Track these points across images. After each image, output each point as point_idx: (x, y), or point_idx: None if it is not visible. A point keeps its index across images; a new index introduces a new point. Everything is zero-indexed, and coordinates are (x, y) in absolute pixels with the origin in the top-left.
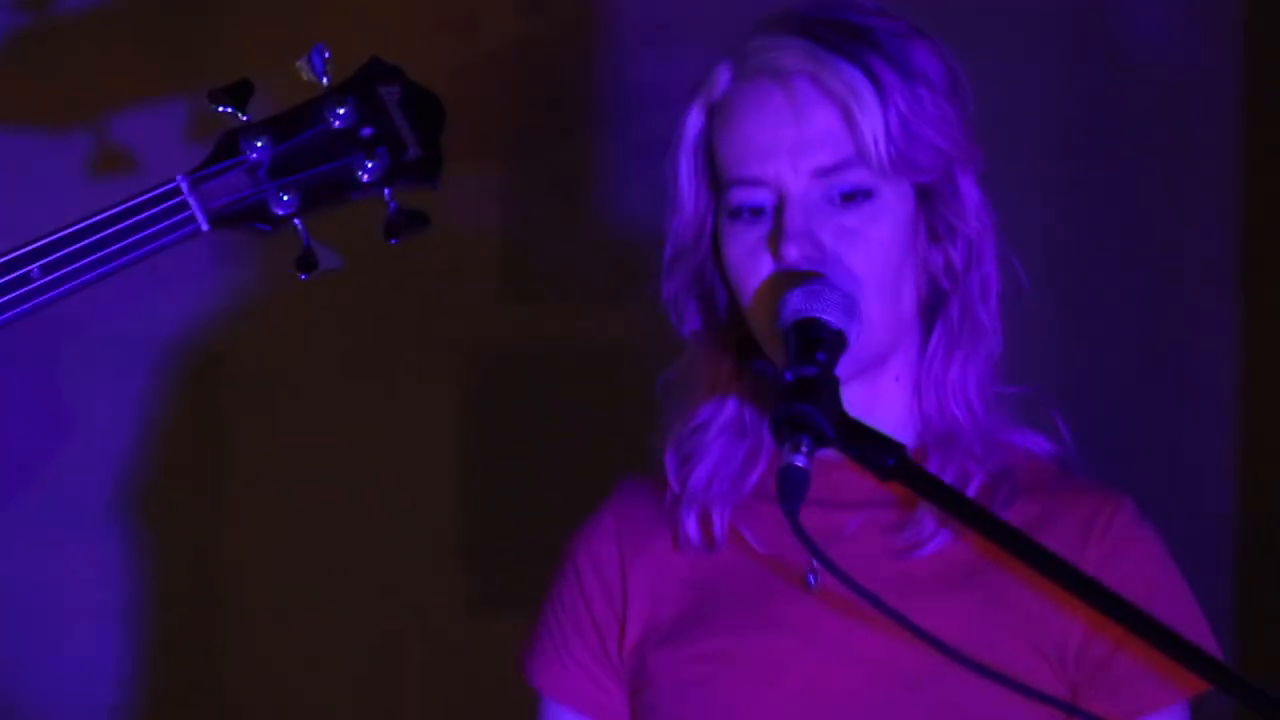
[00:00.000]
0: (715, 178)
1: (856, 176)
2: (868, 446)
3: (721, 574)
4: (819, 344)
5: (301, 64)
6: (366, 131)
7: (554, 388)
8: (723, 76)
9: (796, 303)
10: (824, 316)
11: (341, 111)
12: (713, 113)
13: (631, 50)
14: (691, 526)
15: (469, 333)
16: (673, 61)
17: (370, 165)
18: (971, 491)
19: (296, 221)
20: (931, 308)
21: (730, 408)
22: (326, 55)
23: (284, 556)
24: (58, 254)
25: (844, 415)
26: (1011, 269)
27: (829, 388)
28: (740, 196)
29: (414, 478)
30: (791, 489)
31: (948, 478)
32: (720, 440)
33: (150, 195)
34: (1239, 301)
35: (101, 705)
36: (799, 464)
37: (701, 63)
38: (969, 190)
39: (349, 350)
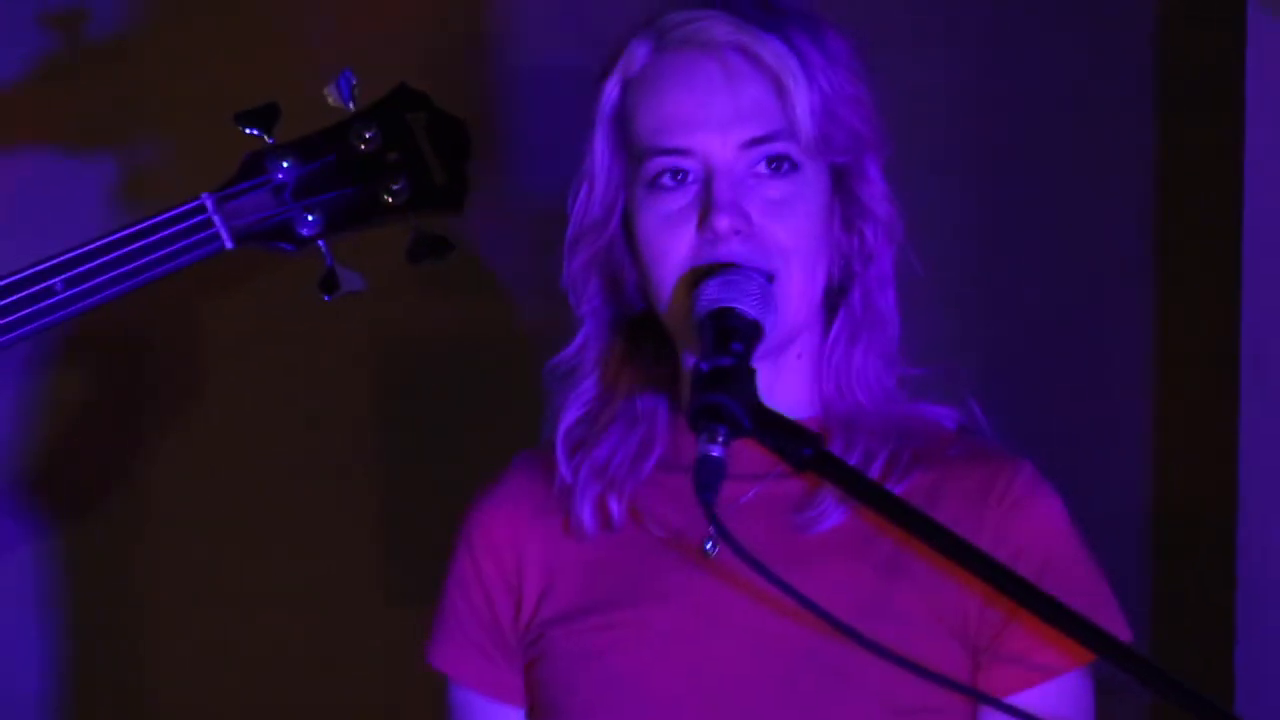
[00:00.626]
0: (630, 151)
1: (785, 147)
2: (784, 437)
3: (618, 548)
4: (735, 334)
5: (330, 90)
6: (393, 157)
7: (472, 376)
8: (640, 50)
9: (713, 292)
10: (740, 306)
11: (368, 135)
12: (629, 86)
13: (539, 38)
14: (586, 514)
15: (386, 322)
16: (584, 49)
17: (395, 189)
18: (875, 470)
19: (321, 243)
20: (833, 293)
21: (622, 393)
22: (354, 81)
23: (200, 546)
24: (81, 268)
25: (760, 406)
26: (907, 257)
27: (745, 378)
28: (663, 164)
29: (331, 468)
30: (708, 479)
31: (852, 459)
32: (614, 428)
33: (176, 213)
34: (1154, 296)
35: (22, 693)
36: (715, 454)
37: (601, 54)
38: (876, 177)
39: (266, 340)
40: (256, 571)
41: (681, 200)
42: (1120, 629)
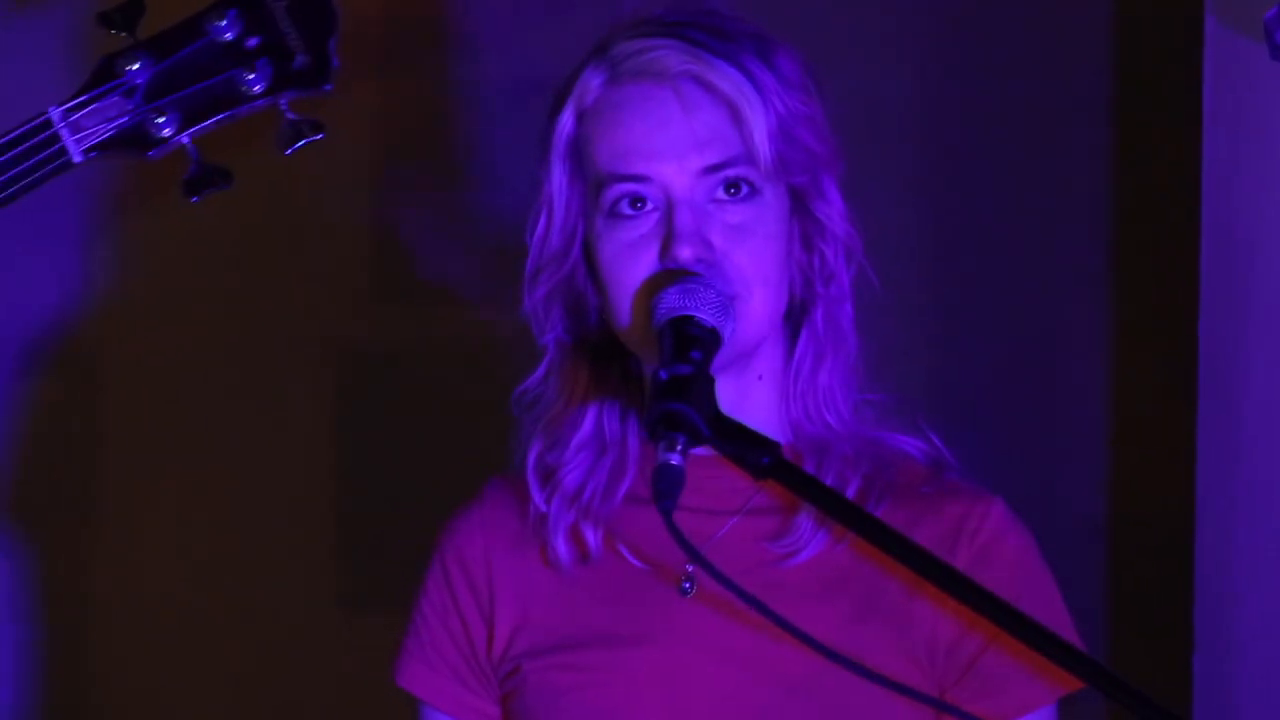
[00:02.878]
0: (588, 181)
1: (744, 172)
2: (743, 445)
3: (595, 580)
4: (694, 342)
5: None
6: (252, 42)
7: (426, 387)
8: (594, 81)
9: (672, 300)
10: (698, 314)
11: (223, 24)
12: (584, 117)
13: (508, 45)
14: (561, 546)
15: (341, 331)
16: (557, 59)
17: (254, 76)
18: (849, 492)
19: (184, 139)
20: (795, 313)
21: (589, 421)
22: None
23: (157, 555)
24: None
25: (719, 414)
26: (865, 274)
27: (704, 386)
28: (622, 191)
29: (287, 477)
30: (667, 487)
31: (826, 481)
32: (583, 455)
33: (21, 130)
34: (1111, 304)
35: None
36: (674, 462)
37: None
38: (834, 195)
39: (220, 349)
40: (213, 582)
41: (642, 228)
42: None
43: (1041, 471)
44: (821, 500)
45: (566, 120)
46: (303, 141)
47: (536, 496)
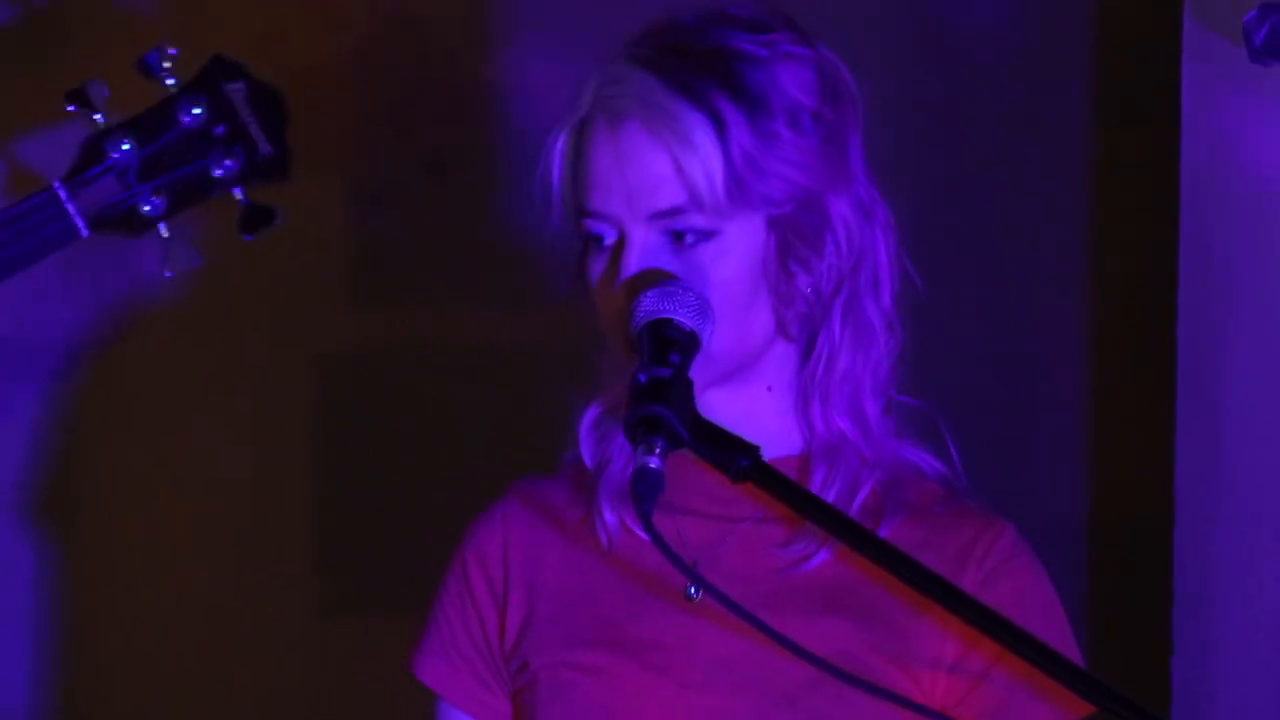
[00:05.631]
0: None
1: (693, 220)
2: (721, 449)
3: (606, 581)
4: (673, 345)
5: (144, 63)
6: (219, 130)
7: (406, 392)
8: (584, 102)
9: (649, 304)
10: (676, 317)
11: (196, 111)
12: (576, 132)
13: (492, 47)
14: (608, 514)
15: (321, 336)
16: (547, 60)
17: (227, 164)
18: (858, 502)
19: (161, 225)
20: (809, 320)
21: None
22: (171, 52)
23: (136, 561)
24: None
25: (698, 417)
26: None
27: (683, 389)
28: (589, 226)
29: (268, 482)
30: (645, 490)
31: (835, 489)
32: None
33: (29, 204)
34: (1090, 306)
35: None
36: (653, 465)
37: (562, 59)
38: (840, 211)
39: (200, 353)
40: (193, 588)
41: (607, 259)
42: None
43: (1020, 474)
44: (802, 506)
45: (562, 137)
46: (264, 230)
47: (587, 455)
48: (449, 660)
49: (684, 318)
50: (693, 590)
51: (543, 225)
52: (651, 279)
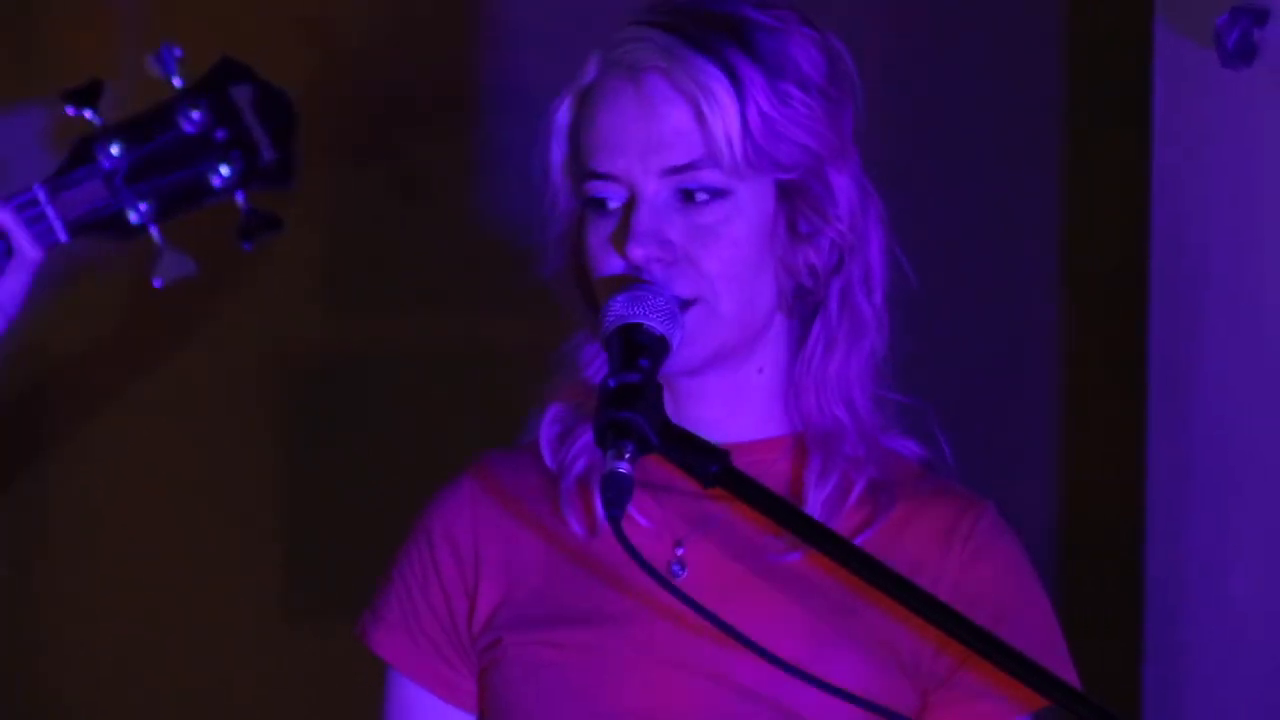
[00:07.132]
0: (578, 168)
1: (708, 176)
2: (691, 453)
3: (585, 558)
4: (642, 350)
5: (152, 63)
6: (220, 135)
7: (374, 394)
8: (591, 68)
9: (619, 308)
10: (646, 322)
11: (195, 115)
12: (579, 102)
13: (476, 51)
14: (571, 513)
15: (288, 338)
16: (542, 62)
17: (225, 171)
18: (853, 497)
19: (153, 229)
20: (808, 302)
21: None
22: (177, 54)
23: (104, 564)
24: None
25: (667, 422)
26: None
27: (652, 394)
28: (594, 189)
29: (237, 486)
30: (615, 495)
31: (830, 482)
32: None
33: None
34: (1060, 311)
35: None
36: (622, 470)
37: (550, 60)
38: (842, 186)
39: (170, 356)
40: (160, 593)
41: (613, 224)
42: (1070, 677)
43: (991, 477)
44: (772, 511)
45: (566, 105)
46: (264, 237)
47: (549, 457)
48: (410, 635)
49: (654, 322)
50: (676, 567)
51: (530, 210)
52: (623, 283)
